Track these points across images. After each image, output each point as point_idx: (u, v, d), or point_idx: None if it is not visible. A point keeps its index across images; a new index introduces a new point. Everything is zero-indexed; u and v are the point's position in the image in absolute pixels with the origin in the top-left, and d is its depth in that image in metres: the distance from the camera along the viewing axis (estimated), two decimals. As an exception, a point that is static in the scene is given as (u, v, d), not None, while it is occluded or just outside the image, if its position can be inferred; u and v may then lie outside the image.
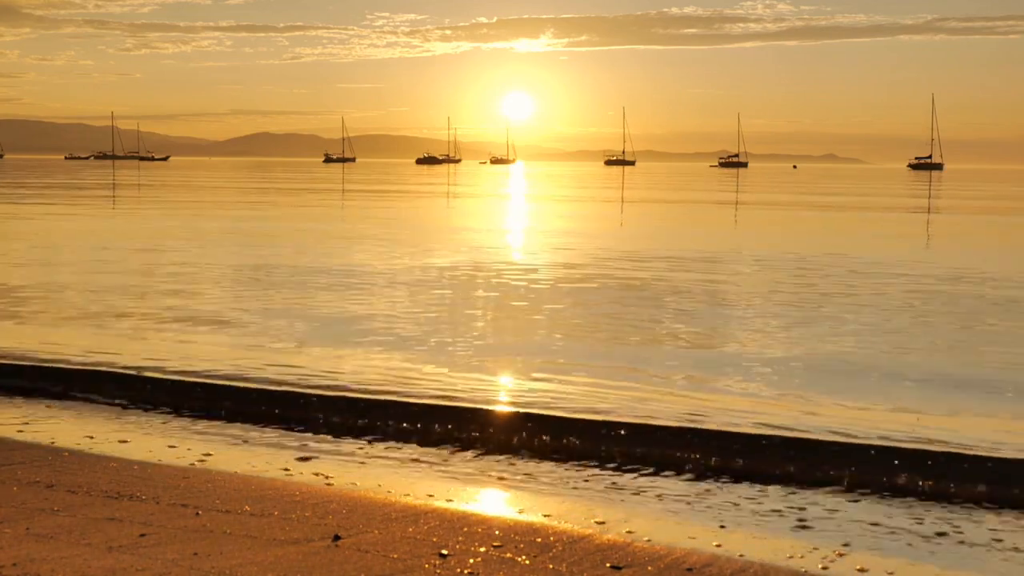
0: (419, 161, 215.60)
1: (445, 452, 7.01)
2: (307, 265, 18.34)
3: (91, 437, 7.23)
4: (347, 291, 14.96)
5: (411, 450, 7.06)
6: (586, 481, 6.38)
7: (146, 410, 8.12)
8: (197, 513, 5.48)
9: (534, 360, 10.01)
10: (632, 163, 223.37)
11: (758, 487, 6.29)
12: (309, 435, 7.44)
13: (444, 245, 21.60)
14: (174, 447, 7.02)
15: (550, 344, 10.98)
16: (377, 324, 12.02)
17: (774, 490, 6.24)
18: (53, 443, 7.03)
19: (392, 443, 7.21)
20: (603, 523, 5.56)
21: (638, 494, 6.13)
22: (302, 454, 6.89)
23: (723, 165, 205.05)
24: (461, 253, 20.88)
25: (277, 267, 18.07)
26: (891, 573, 4.97)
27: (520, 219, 31.95)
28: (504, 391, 8.77)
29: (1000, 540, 5.45)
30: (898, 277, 17.00)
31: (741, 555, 5.10)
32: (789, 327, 11.96)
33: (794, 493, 6.18)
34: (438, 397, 8.33)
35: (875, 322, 12.28)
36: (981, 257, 21.08)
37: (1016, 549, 5.33)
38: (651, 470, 6.64)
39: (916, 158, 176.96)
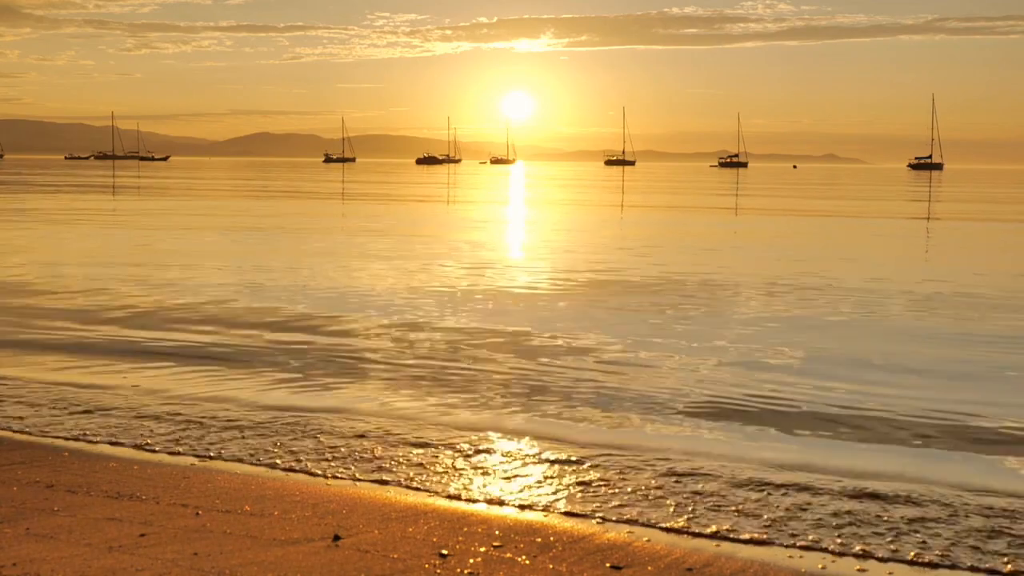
0: (419, 161, 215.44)
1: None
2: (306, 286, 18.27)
3: (95, 443, 7.22)
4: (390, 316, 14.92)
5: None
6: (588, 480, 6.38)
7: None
8: (197, 513, 5.47)
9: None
10: (632, 163, 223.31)
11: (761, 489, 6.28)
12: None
13: (454, 264, 21.53)
14: (176, 449, 7.01)
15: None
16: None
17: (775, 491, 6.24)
18: (53, 443, 7.02)
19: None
20: (603, 523, 5.55)
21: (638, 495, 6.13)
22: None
23: (723, 165, 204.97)
24: (470, 270, 20.89)
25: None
26: (891, 573, 4.97)
27: (526, 235, 31.87)
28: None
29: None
30: (906, 299, 16.77)
31: (741, 555, 5.10)
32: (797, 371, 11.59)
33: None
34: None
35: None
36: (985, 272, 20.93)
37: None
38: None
39: (916, 158, 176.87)
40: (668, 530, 5.45)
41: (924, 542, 5.35)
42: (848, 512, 5.78)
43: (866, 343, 11.20)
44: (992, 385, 9.23)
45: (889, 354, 10.55)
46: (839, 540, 5.35)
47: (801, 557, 5.11)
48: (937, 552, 5.21)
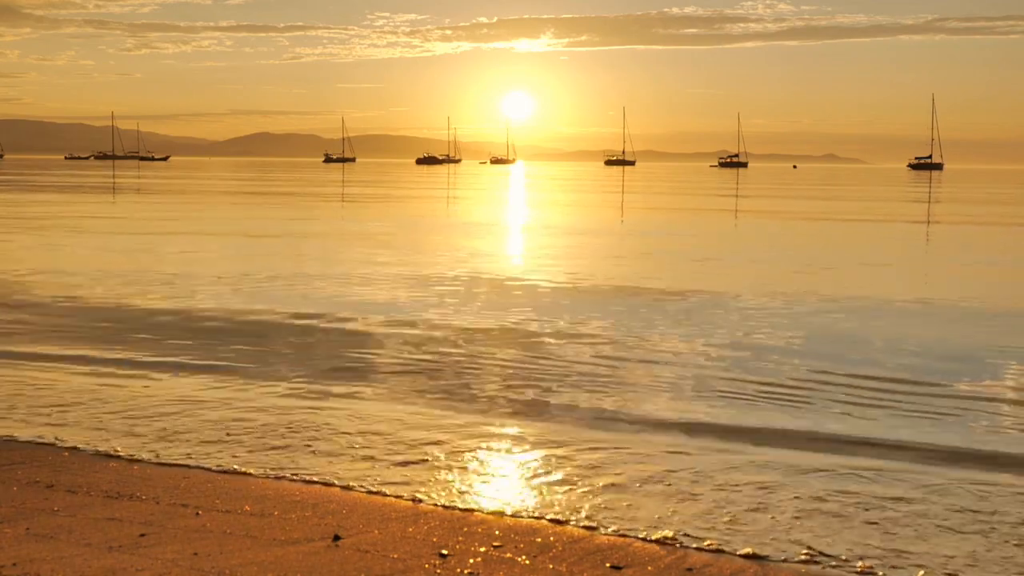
0: (419, 161, 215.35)
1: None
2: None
3: (95, 444, 7.21)
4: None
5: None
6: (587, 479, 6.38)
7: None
8: (197, 513, 5.47)
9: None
10: (632, 163, 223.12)
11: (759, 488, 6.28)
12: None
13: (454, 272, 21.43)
14: (174, 451, 7.01)
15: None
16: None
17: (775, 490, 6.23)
18: (53, 443, 7.02)
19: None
20: (603, 523, 5.55)
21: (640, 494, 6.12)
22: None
23: (723, 165, 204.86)
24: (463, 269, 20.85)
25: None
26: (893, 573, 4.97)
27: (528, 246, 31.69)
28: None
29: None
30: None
31: (741, 555, 5.10)
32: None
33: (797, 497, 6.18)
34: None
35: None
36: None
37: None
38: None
39: (916, 158, 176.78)
40: (661, 541, 5.45)
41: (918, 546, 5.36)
42: (846, 512, 5.80)
43: (872, 347, 11.20)
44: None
45: (892, 355, 10.55)
46: (839, 540, 5.36)
47: (803, 557, 5.11)
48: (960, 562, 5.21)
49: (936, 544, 5.32)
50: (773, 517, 5.68)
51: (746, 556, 5.08)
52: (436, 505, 5.78)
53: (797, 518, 5.68)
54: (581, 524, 5.51)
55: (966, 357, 10.49)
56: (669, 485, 6.25)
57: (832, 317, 12.98)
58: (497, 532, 5.28)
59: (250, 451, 6.90)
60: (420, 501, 5.85)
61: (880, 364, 10.04)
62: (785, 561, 5.07)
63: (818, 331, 11.93)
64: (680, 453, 6.95)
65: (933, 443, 7.32)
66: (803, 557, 5.10)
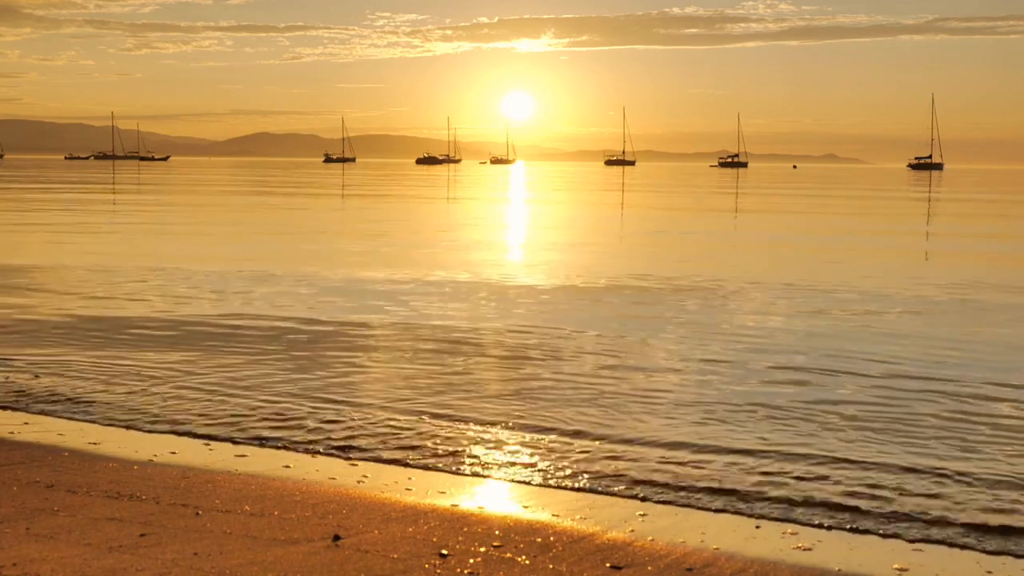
0: (419, 161, 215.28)
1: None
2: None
3: (95, 444, 7.22)
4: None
5: (411, 450, 7.03)
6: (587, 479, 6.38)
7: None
8: (197, 513, 5.47)
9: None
10: (632, 163, 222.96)
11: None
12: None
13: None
14: (174, 453, 7.01)
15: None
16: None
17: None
18: (53, 443, 7.02)
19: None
20: (603, 523, 5.55)
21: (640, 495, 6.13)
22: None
23: (723, 165, 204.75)
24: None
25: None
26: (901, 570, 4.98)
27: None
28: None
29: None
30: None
31: (741, 555, 5.10)
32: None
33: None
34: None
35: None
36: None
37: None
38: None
39: (916, 158, 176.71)
40: (661, 541, 5.45)
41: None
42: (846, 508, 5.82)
43: (873, 349, 11.21)
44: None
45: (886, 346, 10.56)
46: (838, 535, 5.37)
47: (805, 553, 5.12)
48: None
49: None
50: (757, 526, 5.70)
51: (746, 555, 5.08)
52: (436, 505, 5.78)
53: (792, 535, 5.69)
54: (581, 524, 5.50)
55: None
56: (672, 488, 6.26)
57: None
58: (497, 532, 5.28)
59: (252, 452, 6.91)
60: (420, 501, 5.85)
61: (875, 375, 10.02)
62: (786, 560, 5.08)
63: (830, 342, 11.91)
64: (683, 458, 6.96)
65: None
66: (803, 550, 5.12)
